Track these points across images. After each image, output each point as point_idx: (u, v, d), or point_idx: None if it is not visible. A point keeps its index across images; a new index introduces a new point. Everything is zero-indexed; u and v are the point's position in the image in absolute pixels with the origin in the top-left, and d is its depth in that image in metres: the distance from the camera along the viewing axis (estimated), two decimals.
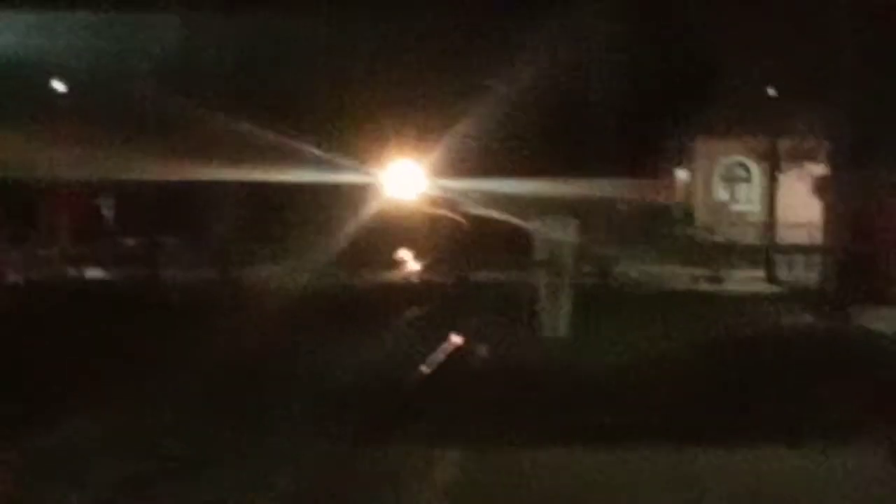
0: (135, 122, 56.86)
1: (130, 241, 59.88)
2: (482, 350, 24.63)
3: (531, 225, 29.04)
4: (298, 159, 59.67)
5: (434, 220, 74.55)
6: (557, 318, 27.01)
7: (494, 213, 60.18)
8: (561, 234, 27.95)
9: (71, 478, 14.07)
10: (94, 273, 51.52)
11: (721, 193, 67.81)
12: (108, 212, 60.35)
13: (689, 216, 66.71)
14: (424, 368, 23.24)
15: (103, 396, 19.29)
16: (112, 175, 58.92)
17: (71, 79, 60.90)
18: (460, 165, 65.53)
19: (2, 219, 50.07)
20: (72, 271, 51.67)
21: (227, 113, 56.12)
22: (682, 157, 70.42)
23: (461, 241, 59.24)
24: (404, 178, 73.03)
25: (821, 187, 43.70)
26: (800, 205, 48.56)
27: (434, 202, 75.98)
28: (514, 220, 50.18)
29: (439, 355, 24.94)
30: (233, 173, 57.64)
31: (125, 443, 16.02)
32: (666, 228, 61.62)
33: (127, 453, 15.25)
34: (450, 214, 75.54)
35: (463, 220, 72.13)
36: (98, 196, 61.36)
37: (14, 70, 54.85)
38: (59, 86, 61.37)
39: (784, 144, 50.01)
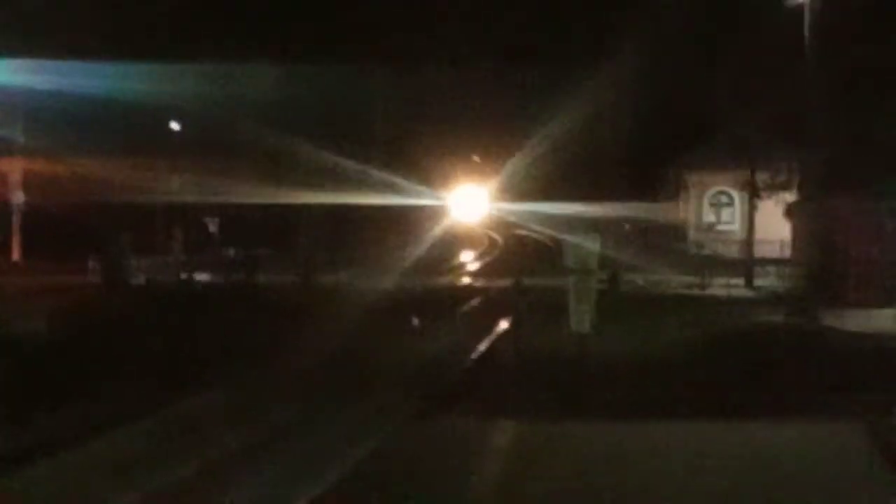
0: (237, 155, 57.36)
1: (231, 252, 60.23)
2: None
3: (564, 238, 29.37)
4: (379, 186, 60.20)
5: (487, 236, 74.99)
6: (584, 315, 27.34)
7: (536, 231, 60.67)
8: (588, 245, 28.30)
9: None
10: (202, 276, 51.91)
11: (709, 216, 67.88)
12: (214, 228, 60.65)
13: (682, 234, 66.75)
14: (478, 354, 23.72)
15: (211, 371, 20.00)
16: (217, 199, 59.46)
17: (185, 119, 61.47)
18: (510, 193, 66.25)
19: (132, 233, 50.42)
20: (184, 275, 52.09)
21: (319, 148, 56.68)
22: (678, 187, 70.59)
23: (512, 252, 59.32)
24: (466, 202, 73.52)
25: (791, 211, 43.90)
26: (773, 226, 48.67)
27: (488, 222, 76.39)
28: (551, 235, 50.66)
29: (490, 344, 25.41)
30: (323, 198, 58.10)
31: (228, 412, 16.56)
32: (663, 244, 61.60)
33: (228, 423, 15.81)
34: (493, 234, 76.09)
35: (499, 237, 72.65)
36: (206, 215, 61.69)
37: (139, 111, 55.44)
38: (175, 125, 61.98)
39: (761, 177, 50.16)
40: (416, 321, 18.60)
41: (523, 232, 66.24)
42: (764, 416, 15.49)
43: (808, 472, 12.66)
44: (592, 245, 28.76)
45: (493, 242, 75.59)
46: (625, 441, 14.19)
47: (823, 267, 36.17)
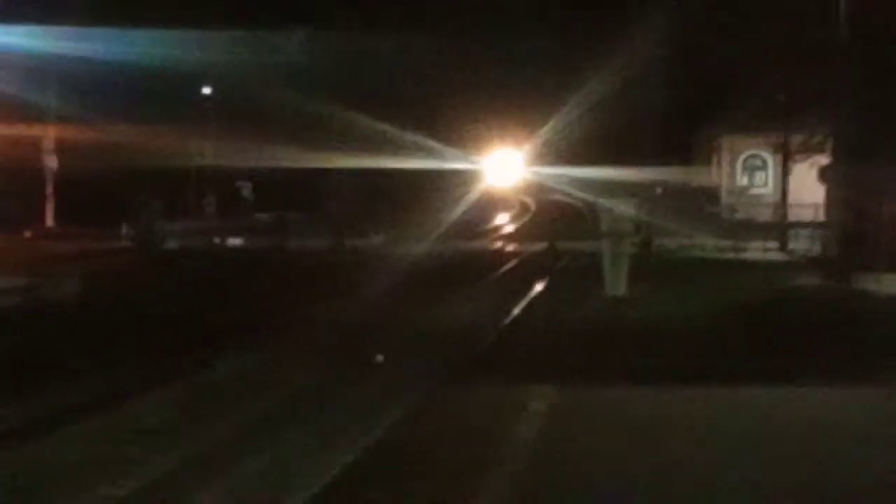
0: (269, 119, 57.44)
1: (263, 216, 60.41)
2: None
3: (600, 203, 29.40)
4: (412, 150, 60.26)
5: (521, 201, 74.96)
6: (619, 279, 27.36)
7: (570, 195, 60.67)
8: (622, 210, 28.36)
9: None
10: (234, 241, 52.12)
11: (742, 179, 67.72)
12: (246, 193, 60.84)
13: (716, 197, 66.57)
14: (513, 318, 23.69)
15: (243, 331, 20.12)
16: (249, 163, 59.66)
17: (217, 84, 61.59)
18: (544, 157, 66.35)
19: (165, 198, 50.72)
20: (217, 240, 52.31)
21: (352, 112, 56.76)
22: (711, 150, 70.44)
23: (547, 216, 59.31)
24: (502, 166, 73.53)
25: (825, 175, 43.66)
26: (807, 189, 48.41)
27: (522, 186, 76.32)
28: (586, 199, 50.58)
29: (525, 308, 25.39)
30: (356, 161, 58.25)
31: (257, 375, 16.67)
32: (697, 207, 61.38)
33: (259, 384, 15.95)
34: (527, 199, 76.02)
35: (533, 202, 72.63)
36: (239, 179, 61.87)
37: (171, 77, 55.55)
38: (207, 90, 62.06)
39: (794, 140, 49.99)
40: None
41: (557, 196, 66.29)
42: (806, 380, 15.39)
43: (853, 435, 12.57)
44: (626, 209, 28.90)
45: (526, 207, 75.61)
46: (665, 407, 14.06)
47: (857, 230, 36.00)
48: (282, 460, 11.46)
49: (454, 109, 64.64)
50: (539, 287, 28.88)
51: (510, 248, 48.16)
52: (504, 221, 68.29)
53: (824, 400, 14.45)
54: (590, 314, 23.60)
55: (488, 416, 13.61)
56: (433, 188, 63.20)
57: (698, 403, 14.25)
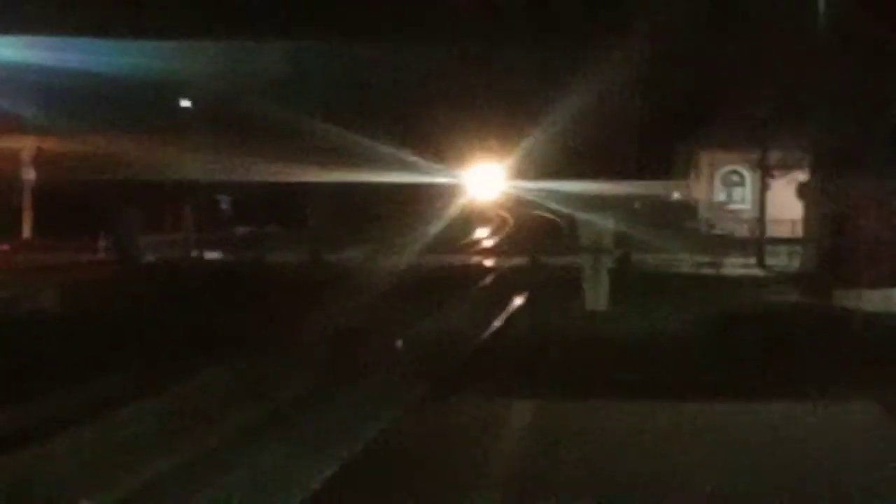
0: (249, 133, 57.35)
1: (242, 230, 60.30)
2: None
3: (579, 218, 29.37)
4: (393, 164, 60.25)
5: (501, 215, 74.96)
6: (599, 293, 27.31)
7: (550, 209, 60.75)
8: (602, 224, 28.31)
9: None
10: (213, 254, 51.89)
11: (720, 195, 67.92)
12: (224, 206, 60.73)
13: (694, 212, 66.71)
14: (493, 331, 23.63)
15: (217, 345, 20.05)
16: (228, 176, 59.51)
17: (196, 97, 61.43)
18: (525, 171, 66.51)
19: (143, 211, 50.47)
20: (195, 253, 52.09)
21: (332, 126, 56.72)
22: (690, 165, 70.61)
23: (527, 231, 59.35)
24: (482, 180, 73.61)
25: (803, 191, 43.75)
26: (785, 205, 48.48)
27: (503, 200, 76.37)
28: (566, 214, 50.62)
29: (505, 322, 25.34)
30: (336, 175, 58.21)
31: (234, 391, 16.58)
32: (675, 222, 61.46)
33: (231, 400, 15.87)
34: (507, 213, 75.99)
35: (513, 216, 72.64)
36: (218, 193, 61.74)
37: (149, 89, 55.42)
38: (187, 103, 61.89)
39: (773, 156, 50.07)
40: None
41: (537, 211, 66.38)
42: (782, 397, 15.41)
43: (826, 452, 12.59)
44: (605, 224, 28.86)
45: (506, 221, 75.68)
46: (641, 421, 14.09)
47: (835, 247, 36.04)
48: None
49: (434, 123, 64.75)
50: (518, 301, 28.82)
51: (489, 262, 48.06)
52: (484, 235, 68.23)
53: (793, 416, 14.46)
54: (569, 329, 23.57)
55: (469, 428, 13.66)
56: (413, 202, 63.19)
57: (673, 419, 14.27)
